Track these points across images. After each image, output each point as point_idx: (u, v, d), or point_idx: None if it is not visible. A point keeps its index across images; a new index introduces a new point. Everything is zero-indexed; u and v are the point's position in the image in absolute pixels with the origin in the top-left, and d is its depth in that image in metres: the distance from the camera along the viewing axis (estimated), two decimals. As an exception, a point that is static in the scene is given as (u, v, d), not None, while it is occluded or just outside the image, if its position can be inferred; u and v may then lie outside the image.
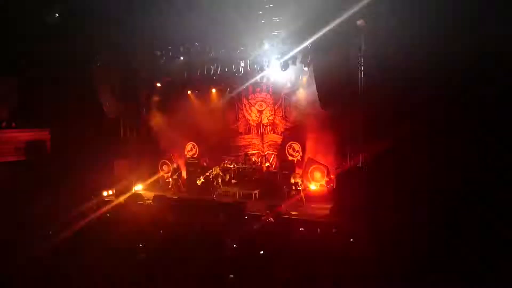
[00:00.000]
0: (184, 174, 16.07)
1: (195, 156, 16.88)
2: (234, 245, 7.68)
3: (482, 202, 9.45)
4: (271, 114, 15.79)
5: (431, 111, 10.56)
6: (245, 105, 16.32)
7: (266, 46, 12.61)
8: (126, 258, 7.11)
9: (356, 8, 10.16)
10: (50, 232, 9.10)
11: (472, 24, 9.41)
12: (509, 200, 9.02)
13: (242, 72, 13.86)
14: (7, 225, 9.68)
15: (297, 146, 15.07)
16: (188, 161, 15.97)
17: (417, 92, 10.67)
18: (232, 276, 6.22)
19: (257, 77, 15.23)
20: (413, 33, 10.10)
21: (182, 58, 13.96)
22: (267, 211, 10.97)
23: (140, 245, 7.83)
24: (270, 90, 15.60)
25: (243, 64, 13.62)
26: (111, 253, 7.28)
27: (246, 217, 11.05)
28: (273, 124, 15.84)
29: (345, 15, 10.32)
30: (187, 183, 15.56)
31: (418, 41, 10.12)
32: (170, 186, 15.61)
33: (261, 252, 7.33)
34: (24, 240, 8.40)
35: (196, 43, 13.11)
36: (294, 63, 12.72)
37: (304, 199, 12.80)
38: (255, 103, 16.08)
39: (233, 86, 15.96)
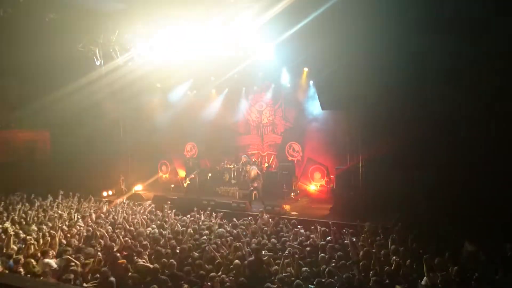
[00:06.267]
0: (182, 174, 16.07)
1: (195, 156, 16.88)
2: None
3: (482, 200, 9.47)
4: (271, 114, 15.77)
5: (430, 111, 10.59)
6: (244, 105, 16.32)
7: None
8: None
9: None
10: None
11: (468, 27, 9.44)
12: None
13: None
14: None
15: (297, 146, 15.05)
16: (187, 161, 15.96)
17: (417, 93, 10.70)
18: None
19: (257, 78, 15.34)
20: (410, 35, 10.12)
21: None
22: (261, 209, 11.01)
23: None
24: (270, 90, 15.60)
25: None
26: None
27: None
28: (273, 124, 15.82)
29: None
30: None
31: (417, 41, 10.14)
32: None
33: None
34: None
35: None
36: None
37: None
38: (255, 103, 16.08)
39: (233, 86, 15.99)
